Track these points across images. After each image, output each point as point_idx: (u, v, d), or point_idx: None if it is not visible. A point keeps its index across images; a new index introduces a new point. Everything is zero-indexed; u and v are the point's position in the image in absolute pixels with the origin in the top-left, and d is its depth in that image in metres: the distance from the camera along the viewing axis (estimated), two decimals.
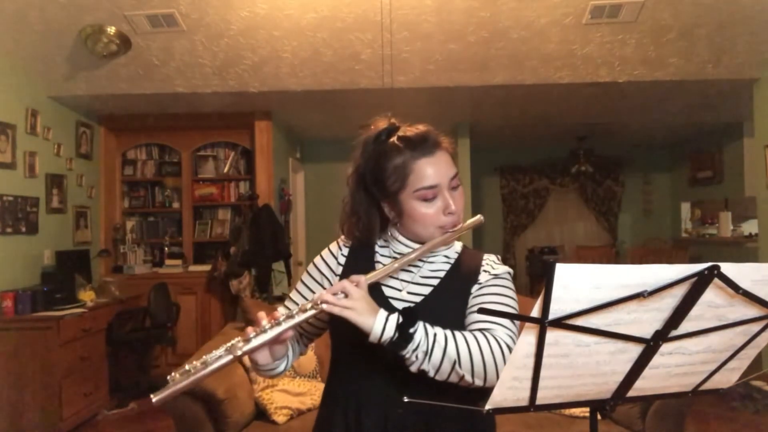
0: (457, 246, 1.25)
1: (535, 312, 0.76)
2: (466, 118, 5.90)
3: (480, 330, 1.07)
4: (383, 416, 1.12)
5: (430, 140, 1.14)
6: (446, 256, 1.22)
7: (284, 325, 1.01)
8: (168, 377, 1.01)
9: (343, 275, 1.22)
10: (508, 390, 0.84)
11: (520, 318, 0.84)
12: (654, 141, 7.66)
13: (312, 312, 1.02)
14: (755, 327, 0.86)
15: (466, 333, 1.05)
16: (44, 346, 3.62)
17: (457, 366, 1.00)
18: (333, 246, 1.28)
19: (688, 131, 6.93)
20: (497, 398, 0.84)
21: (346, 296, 1.02)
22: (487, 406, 0.85)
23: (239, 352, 0.99)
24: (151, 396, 0.98)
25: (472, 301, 1.15)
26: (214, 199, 5.52)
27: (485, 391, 0.88)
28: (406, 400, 0.93)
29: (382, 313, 1.01)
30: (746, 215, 6.15)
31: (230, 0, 3.57)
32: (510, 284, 1.18)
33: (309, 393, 2.77)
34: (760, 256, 4.58)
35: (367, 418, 1.13)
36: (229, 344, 1.00)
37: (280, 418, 2.58)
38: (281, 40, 3.89)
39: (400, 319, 1.00)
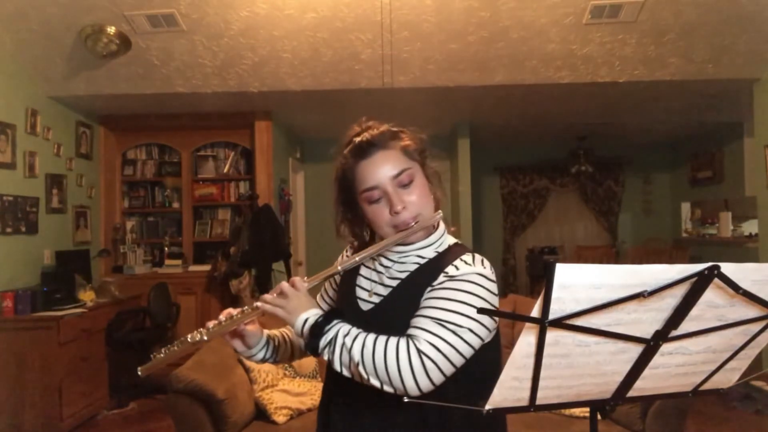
0: (445, 244, 1.18)
1: (535, 312, 0.76)
2: (466, 118, 5.90)
3: (406, 335, 1.03)
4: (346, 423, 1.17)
5: (375, 143, 1.14)
6: (420, 256, 1.16)
7: (234, 320, 1.15)
8: (151, 356, 1.23)
9: (342, 279, 1.28)
10: (508, 390, 0.84)
11: (520, 318, 0.84)
12: (654, 141, 7.66)
13: (255, 312, 1.13)
14: (755, 327, 0.86)
15: (382, 338, 1.01)
16: (44, 346, 3.62)
17: (360, 369, 1.00)
18: (344, 252, 1.33)
19: (688, 131, 6.93)
20: (497, 398, 0.84)
21: (282, 295, 1.09)
22: (487, 406, 0.85)
23: (198, 338, 1.16)
24: (138, 369, 1.25)
25: (420, 304, 1.08)
26: (214, 199, 5.52)
27: (485, 393, 0.87)
28: (406, 400, 0.94)
29: (306, 313, 1.07)
30: (746, 215, 6.15)
31: (230, 0, 3.57)
32: (470, 287, 1.05)
33: (309, 393, 2.77)
34: (761, 256, 4.58)
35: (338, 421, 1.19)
36: (195, 331, 1.18)
37: (280, 418, 2.58)
38: (281, 40, 3.89)
39: (320, 319, 1.05)
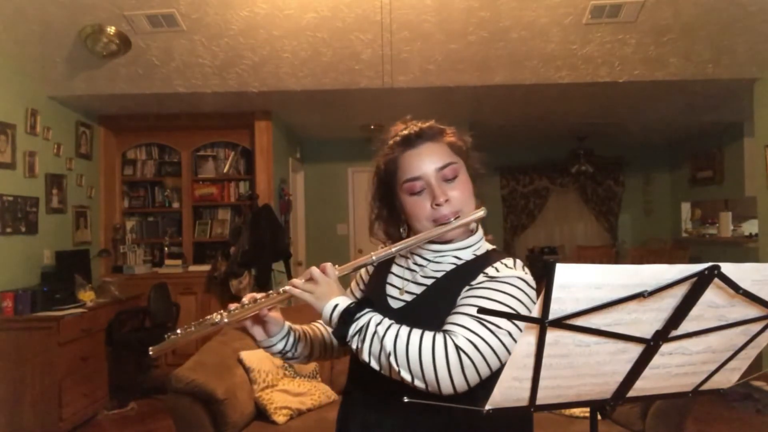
0: (483, 249, 1.17)
1: (535, 312, 0.75)
2: (466, 118, 5.89)
3: (442, 330, 0.99)
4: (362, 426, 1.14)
5: (423, 135, 1.14)
6: (457, 257, 1.14)
7: (258, 304, 1.10)
8: (165, 336, 1.16)
9: (372, 275, 1.27)
10: (508, 390, 0.84)
11: (520, 318, 0.84)
12: (654, 141, 7.66)
13: (282, 296, 1.08)
14: (755, 327, 0.86)
15: (417, 330, 0.98)
16: (44, 346, 3.62)
17: (392, 360, 0.96)
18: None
19: (688, 131, 6.93)
20: (497, 398, 0.84)
21: (311, 280, 1.06)
22: (487, 406, 0.85)
23: (218, 320, 1.10)
24: (150, 349, 1.15)
25: (457, 303, 1.06)
26: (214, 199, 5.52)
27: (485, 393, 0.87)
28: (406, 400, 0.91)
29: (336, 299, 1.03)
30: (746, 215, 6.16)
31: (230, 0, 3.57)
32: (511, 289, 1.03)
33: (309, 393, 2.77)
34: (761, 256, 4.58)
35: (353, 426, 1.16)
36: (214, 314, 1.12)
37: (279, 418, 2.58)
38: (281, 40, 3.89)
39: (351, 306, 1.01)
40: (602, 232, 8.07)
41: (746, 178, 6.01)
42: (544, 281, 0.73)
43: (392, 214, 1.21)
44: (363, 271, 1.30)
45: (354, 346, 1.01)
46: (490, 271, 1.07)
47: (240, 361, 2.76)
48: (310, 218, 6.82)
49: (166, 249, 5.43)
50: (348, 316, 1.00)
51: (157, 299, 4.60)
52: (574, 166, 7.37)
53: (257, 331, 1.17)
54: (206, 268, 5.16)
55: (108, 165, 5.36)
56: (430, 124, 1.18)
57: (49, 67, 4.09)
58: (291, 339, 1.21)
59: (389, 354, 0.96)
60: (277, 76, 4.25)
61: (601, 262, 5.29)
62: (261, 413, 2.62)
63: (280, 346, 1.20)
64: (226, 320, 1.10)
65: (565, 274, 0.72)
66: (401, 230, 1.20)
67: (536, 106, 5.24)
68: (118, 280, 4.84)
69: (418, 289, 1.14)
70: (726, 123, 6.22)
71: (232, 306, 1.12)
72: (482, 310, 0.93)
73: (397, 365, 0.96)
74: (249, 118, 5.25)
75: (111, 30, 3.68)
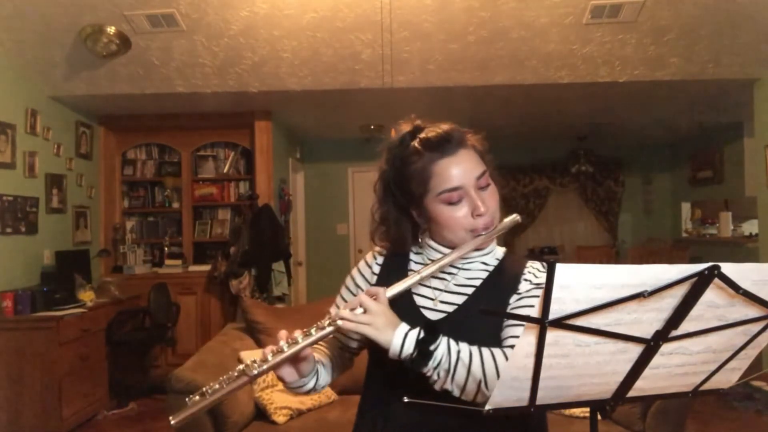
0: (499, 252, 1.16)
1: (535, 312, 0.75)
2: (466, 118, 5.89)
3: (511, 346, 0.98)
4: None
5: (452, 140, 1.08)
6: (484, 263, 1.13)
7: (301, 344, 0.99)
8: (186, 399, 1.01)
9: (378, 285, 1.19)
10: (508, 390, 0.84)
11: (520, 318, 0.84)
12: (654, 141, 7.66)
13: (329, 329, 0.99)
14: (755, 327, 0.86)
15: (495, 350, 0.97)
16: (44, 346, 3.62)
17: (483, 386, 0.94)
18: (368, 256, 1.24)
19: (688, 131, 6.93)
20: (497, 398, 0.84)
21: (365, 311, 0.97)
22: (488, 406, 0.85)
23: (255, 372, 0.97)
24: (171, 418, 1.00)
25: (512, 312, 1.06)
26: (214, 199, 5.52)
27: None
28: (405, 400, 0.91)
29: (402, 328, 0.97)
30: (746, 215, 6.16)
31: (230, 0, 3.57)
32: None
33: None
34: (761, 256, 4.58)
35: None
36: (244, 365, 0.99)
37: (280, 418, 2.58)
38: (281, 40, 3.89)
39: (421, 335, 0.95)
40: (602, 232, 8.07)
41: (746, 178, 6.00)
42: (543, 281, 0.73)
43: (402, 221, 1.15)
44: (357, 273, 1.23)
45: (435, 377, 0.95)
46: (530, 277, 1.09)
47: (240, 361, 2.75)
48: (310, 218, 6.82)
49: (166, 249, 5.43)
50: (423, 346, 0.94)
51: (157, 299, 4.60)
52: (574, 166, 7.37)
53: (288, 373, 1.05)
54: (206, 268, 5.16)
55: (108, 165, 5.36)
56: (454, 127, 1.11)
57: (49, 67, 4.09)
58: (322, 373, 1.14)
59: (479, 381, 0.94)
60: (277, 76, 4.25)
61: (601, 262, 5.29)
62: (261, 413, 2.62)
63: (311, 385, 1.11)
64: (264, 368, 0.98)
65: (565, 274, 0.72)
66: (419, 239, 1.16)
67: (536, 106, 5.24)
68: (118, 280, 4.84)
69: (458, 299, 1.10)
70: (726, 123, 6.22)
71: (269, 350, 0.99)
72: (483, 311, 0.93)
73: (488, 390, 0.93)
74: (249, 118, 5.25)
75: (111, 30, 3.68)
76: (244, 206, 5.20)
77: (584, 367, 0.83)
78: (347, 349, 1.22)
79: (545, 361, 0.80)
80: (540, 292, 1.01)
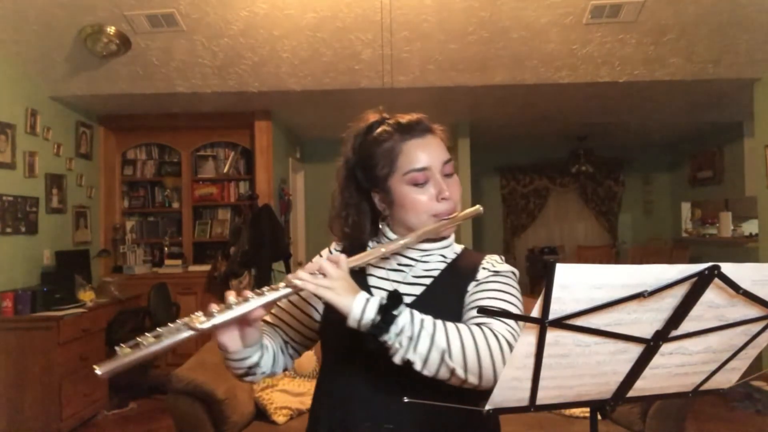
0: (457, 247, 1.17)
1: (535, 312, 0.75)
2: (466, 118, 5.90)
3: (477, 324, 0.96)
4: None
5: (422, 124, 1.11)
6: (443, 256, 1.13)
7: (252, 303, 0.92)
8: (116, 348, 0.89)
9: None
10: (508, 390, 0.84)
11: (520, 318, 0.84)
12: (654, 141, 7.66)
13: (286, 291, 0.94)
14: (755, 327, 0.86)
15: (460, 324, 0.94)
16: (44, 346, 3.62)
17: (446, 357, 0.89)
18: (324, 251, 1.23)
19: (688, 131, 6.93)
20: (497, 398, 0.84)
21: (325, 276, 0.93)
22: (488, 406, 0.85)
23: (198, 326, 0.88)
24: (95, 367, 0.88)
25: (468, 299, 1.05)
26: (214, 199, 5.52)
27: (485, 393, 0.86)
28: (405, 400, 0.89)
29: (364, 294, 0.93)
30: (746, 215, 6.16)
31: (230, 0, 3.57)
32: (513, 283, 1.08)
33: (309, 393, 2.76)
34: (761, 256, 4.58)
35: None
36: (188, 317, 0.90)
37: (279, 418, 2.58)
38: (281, 40, 3.89)
39: (384, 301, 0.91)
40: (602, 232, 8.07)
41: (746, 178, 6.01)
42: (544, 281, 0.73)
43: (362, 207, 1.15)
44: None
45: (396, 345, 0.90)
46: (488, 266, 1.10)
47: None
48: (310, 218, 6.82)
49: (166, 249, 5.43)
50: (386, 312, 0.90)
51: (157, 299, 4.60)
52: (574, 166, 7.37)
53: (232, 340, 0.98)
54: (206, 268, 5.16)
55: (108, 165, 5.36)
56: (424, 116, 1.13)
57: (49, 67, 4.09)
58: (266, 356, 1.06)
59: (443, 351, 0.89)
60: (277, 76, 4.25)
61: (601, 262, 5.29)
62: (261, 413, 2.62)
63: (254, 359, 1.03)
64: (208, 324, 0.89)
65: (565, 274, 0.72)
66: (380, 224, 1.15)
67: (536, 106, 5.24)
68: (118, 280, 4.84)
69: (416, 290, 1.09)
70: (726, 123, 6.22)
71: (215, 306, 0.92)
72: (482, 309, 0.93)
73: (452, 362, 0.89)
74: (249, 118, 5.25)
75: (111, 30, 3.68)
76: (244, 206, 5.20)
77: (584, 367, 0.83)
78: (293, 345, 1.18)
79: (545, 361, 0.80)
80: (500, 279, 1.05)
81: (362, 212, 1.15)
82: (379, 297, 0.93)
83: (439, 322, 0.93)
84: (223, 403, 2.41)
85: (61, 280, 4.13)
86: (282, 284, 0.95)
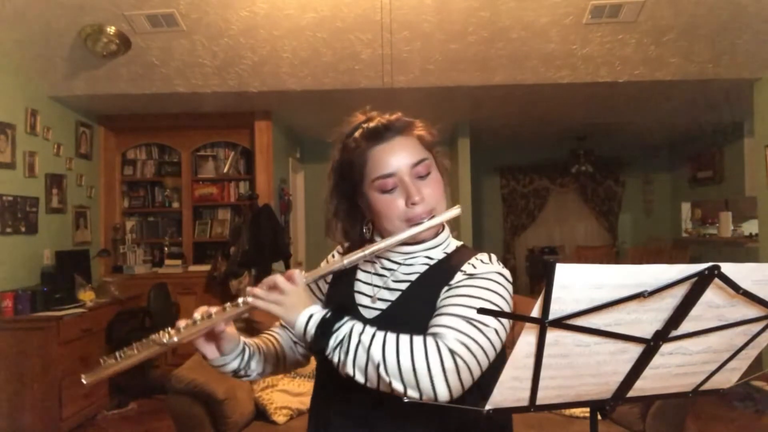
0: (452, 245, 1.12)
1: (535, 312, 0.75)
2: (466, 118, 5.89)
3: (429, 334, 0.94)
4: None
5: (392, 128, 1.07)
6: (428, 257, 1.09)
7: (213, 320, 0.99)
8: (101, 360, 1.02)
9: (331, 285, 1.18)
10: (509, 390, 0.84)
11: (520, 318, 0.84)
12: (654, 141, 7.66)
13: (242, 308, 0.98)
14: (755, 327, 0.86)
15: (405, 336, 0.92)
16: (44, 346, 3.62)
17: (381, 371, 0.89)
18: (330, 256, 1.23)
19: (688, 131, 6.93)
20: (497, 398, 0.84)
21: (278, 291, 0.97)
22: (488, 406, 0.85)
23: (165, 341, 0.98)
24: (82, 376, 1.00)
25: (439, 304, 1.00)
26: (214, 199, 5.52)
27: (485, 393, 0.86)
28: (406, 399, 0.90)
29: (311, 309, 0.95)
30: (746, 215, 6.16)
31: (230, 0, 3.57)
32: (493, 285, 1.00)
33: (309, 393, 2.75)
34: (761, 256, 4.58)
35: None
36: (157, 334, 1.00)
37: (280, 418, 2.58)
38: (281, 40, 3.89)
39: (328, 315, 0.93)
40: (602, 232, 8.07)
41: (746, 178, 6.01)
42: (544, 281, 0.73)
43: (352, 213, 1.14)
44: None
45: (336, 360, 0.92)
46: (467, 268, 1.03)
47: None
48: (310, 218, 6.82)
49: (166, 249, 5.43)
50: (326, 327, 0.92)
51: (157, 299, 4.60)
52: (574, 166, 7.37)
53: (209, 349, 1.06)
54: (206, 268, 5.16)
55: (108, 165, 5.37)
56: (398, 116, 1.10)
57: (49, 67, 4.09)
58: (246, 356, 1.11)
59: (378, 365, 0.89)
60: (277, 76, 4.25)
61: (601, 262, 5.29)
62: (261, 413, 2.62)
63: (234, 365, 1.09)
64: (175, 339, 0.98)
65: (565, 274, 0.72)
66: (364, 230, 1.13)
67: (536, 106, 5.24)
68: (118, 280, 4.84)
69: (392, 295, 1.07)
70: (726, 123, 6.22)
71: (182, 323, 0.99)
72: (482, 310, 0.92)
73: (388, 375, 0.89)
74: (249, 118, 5.25)
75: (111, 30, 3.68)
76: (244, 206, 5.20)
77: (584, 367, 0.83)
78: (300, 343, 1.21)
79: (545, 361, 0.80)
80: (473, 282, 0.99)
81: (351, 219, 1.15)
82: (325, 311, 0.95)
83: (380, 334, 0.92)
84: (223, 404, 2.41)
85: (61, 280, 4.13)
86: (241, 299, 1.00)
